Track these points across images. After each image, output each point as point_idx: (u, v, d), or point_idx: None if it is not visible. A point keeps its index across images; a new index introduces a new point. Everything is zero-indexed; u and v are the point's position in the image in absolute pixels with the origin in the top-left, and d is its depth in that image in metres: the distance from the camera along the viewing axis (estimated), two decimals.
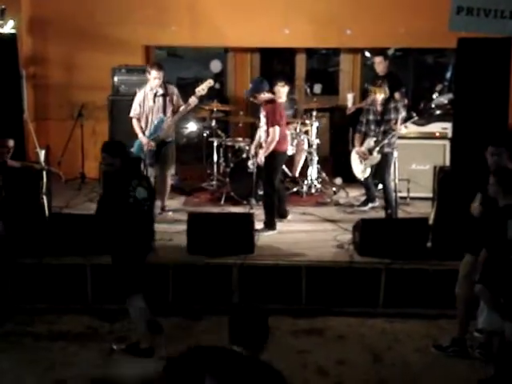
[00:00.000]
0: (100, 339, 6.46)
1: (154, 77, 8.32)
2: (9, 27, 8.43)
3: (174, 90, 8.56)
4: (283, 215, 8.50)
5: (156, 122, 8.39)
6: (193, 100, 8.29)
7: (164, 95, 8.38)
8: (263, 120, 8.19)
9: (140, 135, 8.44)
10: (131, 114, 8.52)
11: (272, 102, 8.13)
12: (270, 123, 8.01)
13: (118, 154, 6.03)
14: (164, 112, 8.38)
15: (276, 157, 8.11)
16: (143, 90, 8.51)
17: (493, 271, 5.44)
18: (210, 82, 8.32)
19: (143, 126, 8.46)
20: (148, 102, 8.44)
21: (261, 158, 8.16)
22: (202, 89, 8.27)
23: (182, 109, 8.41)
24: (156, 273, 7.04)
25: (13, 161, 7.12)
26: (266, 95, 8.10)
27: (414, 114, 8.73)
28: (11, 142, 7.02)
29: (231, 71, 11.18)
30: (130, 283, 6.03)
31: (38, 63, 10.31)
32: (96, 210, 6.17)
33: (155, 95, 8.41)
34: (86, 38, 10.03)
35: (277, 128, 7.96)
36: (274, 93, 8.86)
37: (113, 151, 6.07)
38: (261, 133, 8.37)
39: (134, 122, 8.49)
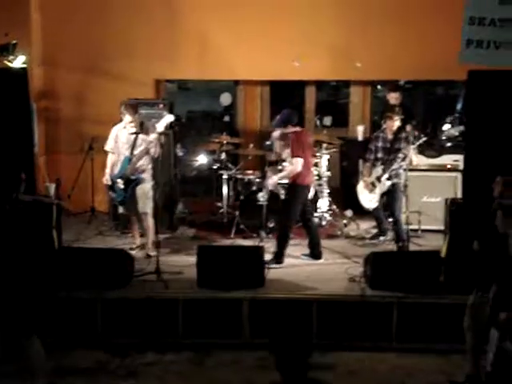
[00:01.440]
0: (110, 374, 6.40)
1: (130, 120, 8.20)
2: (20, 62, 8.50)
3: (149, 137, 8.11)
4: (317, 256, 8.31)
5: (122, 161, 8.23)
6: (153, 137, 8.02)
7: (136, 133, 8.17)
8: (287, 152, 8.13)
9: (107, 171, 8.33)
10: (105, 148, 8.43)
11: (297, 132, 8.08)
12: (293, 153, 7.98)
13: None
14: (132, 150, 8.14)
15: (296, 189, 8.05)
16: (117, 127, 8.38)
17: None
18: (168, 118, 8.13)
19: (115, 161, 8.32)
20: (121, 138, 8.28)
21: (271, 181, 8.28)
22: (161, 125, 8.01)
23: (142, 146, 8.10)
24: (166, 306, 7.00)
25: (24, 194, 7.12)
26: (292, 127, 8.07)
27: (422, 135, 8.69)
28: (23, 176, 7.03)
29: (241, 104, 11.21)
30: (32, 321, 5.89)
31: (49, 97, 10.39)
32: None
33: (128, 133, 8.24)
34: (97, 72, 10.12)
35: (299, 160, 7.92)
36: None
37: None
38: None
39: (109, 156, 8.38)
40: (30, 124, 8.13)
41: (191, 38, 10.16)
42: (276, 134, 8.33)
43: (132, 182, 8.16)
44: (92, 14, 10.12)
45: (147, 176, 8.23)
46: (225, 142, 9.82)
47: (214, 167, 9.93)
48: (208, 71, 10.33)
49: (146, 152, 8.11)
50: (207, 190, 10.57)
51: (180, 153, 9.82)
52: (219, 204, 9.72)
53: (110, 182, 8.27)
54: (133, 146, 8.15)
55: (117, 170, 8.27)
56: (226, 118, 12.32)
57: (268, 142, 9.37)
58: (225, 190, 9.57)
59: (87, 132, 10.10)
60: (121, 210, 8.58)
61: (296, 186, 8.04)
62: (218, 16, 10.06)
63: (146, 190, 8.19)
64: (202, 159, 11.11)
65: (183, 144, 10.05)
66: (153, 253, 8.05)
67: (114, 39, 10.08)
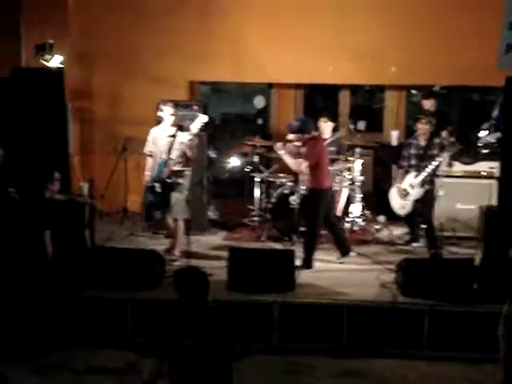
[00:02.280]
0: (138, 374, 6.38)
1: (170, 113, 8.21)
2: (56, 61, 8.57)
3: (184, 136, 8.14)
4: (347, 251, 8.34)
5: (159, 164, 8.19)
6: (188, 138, 8.04)
7: (174, 136, 8.16)
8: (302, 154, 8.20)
9: (146, 173, 8.30)
10: (144, 151, 8.43)
11: (313, 139, 8.12)
12: (304, 156, 8.07)
13: None
14: (169, 153, 8.10)
15: (316, 194, 8.07)
16: (156, 129, 8.39)
17: None
18: (202, 118, 8.08)
19: (154, 164, 8.28)
20: (159, 141, 8.28)
21: (281, 147, 8.26)
22: (195, 126, 8.02)
23: (179, 149, 8.08)
24: None
25: (58, 194, 7.19)
26: (308, 135, 8.09)
27: (458, 144, 8.58)
28: (57, 175, 7.10)
29: (274, 107, 11.19)
30: None
31: (84, 97, 10.45)
32: None
33: (167, 135, 8.23)
34: (132, 73, 10.17)
35: (304, 164, 8.02)
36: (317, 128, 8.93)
37: None
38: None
39: (149, 159, 8.38)
40: (65, 124, 8.21)
41: (226, 40, 10.15)
42: (291, 137, 8.32)
43: (169, 186, 8.10)
44: (128, 15, 10.18)
45: (184, 181, 8.21)
46: (258, 144, 9.81)
47: (247, 170, 9.93)
48: (242, 73, 10.33)
49: (184, 155, 8.08)
50: (239, 192, 10.55)
51: (213, 155, 9.83)
52: (251, 207, 9.71)
53: (150, 184, 8.21)
54: (170, 149, 8.11)
55: (155, 173, 8.24)
56: (260, 121, 12.30)
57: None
58: (257, 192, 9.56)
59: (121, 133, 10.14)
60: (157, 214, 8.50)
61: (316, 191, 8.07)
62: (253, 19, 10.06)
63: (181, 196, 8.14)
64: (234, 161, 11.11)
65: (216, 146, 10.06)
66: (176, 262, 8.05)
67: (149, 41, 10.11)
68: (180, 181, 8.14)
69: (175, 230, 8.25)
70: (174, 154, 8.07)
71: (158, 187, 8.12)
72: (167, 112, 8.20)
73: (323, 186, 8.09)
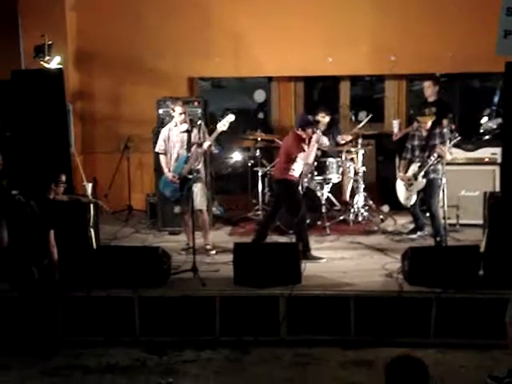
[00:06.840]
0: (148, 372, 6.42)
1: (180, 112, 8.30)
2: (55, 62, 8.58)
3: (200, 126, 8.33)
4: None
5: (179, 160, 8.27)
6: (214, 137, 8.20)
7: (188, 131, 8.19)
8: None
9: (165, 171, 8.36)
10: (156, 150, 8.52)
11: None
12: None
13: None
14: (188, 148, 8.17)
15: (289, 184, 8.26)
16: (168, 126, 8.48)
17: None
18: (230, 117, 8.15)
19: (168, 161, 8.40)
20: (172, 137, 8.36)
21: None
22: (223, 124, 8.10)
23: (204, 145, 8.18)
24: (203, 304, 7.01)
25: (61, 194, 7.20)
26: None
27: (457, 135, 8.58)
28: (63, 178, 7.12)
29: (275, 100, 11.18)
30: None
31: (85, 97, 10.47)
32: None
33: (180, 131, 8.33)
34: (131, 72, 10.18)
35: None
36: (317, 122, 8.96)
37: None
38: None
39: (161, 157, 8.45)
40: (66, 124, 8.22)
41: (225, 35, 10.16)
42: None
43: (189, 181, 8.13)
44: (126, 13, 10.19)
45: (202, 173, 8.36)
46: (259, 138, 9.82)
47: (249, 164, 9.93)
48: (242, 68, 10.33)
49: (202, 150, 8.19)
50: (242, 187, 10.57)
51: (215, 150, 9.83)
52: (254, 201, 9.72)
53: (176, 178, 8.27)
54: (188, 145, 8.16)
55: (172, 169, 8.32)
56: (261, 115, 12.30)
57: None
58: (260, 186, 9.56)
59: (123, 131, 10.18)
60: (176, 209, 8.47)
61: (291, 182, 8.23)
62: (251, 12, 10.06)
63: (201, 187, 8.29)
64: (236, 156, 11.13)
65: (218, 141, 10.07)
66: (212, 251, 8.32)
67: (148, 38, 10.12)
68: (199, 174, 8.26)
69: (203, 223, 8.37)
70: (193, 149, 8.15)
71: (177, 183, 8.22)
72: (177, 111, 8.30)
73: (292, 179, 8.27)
